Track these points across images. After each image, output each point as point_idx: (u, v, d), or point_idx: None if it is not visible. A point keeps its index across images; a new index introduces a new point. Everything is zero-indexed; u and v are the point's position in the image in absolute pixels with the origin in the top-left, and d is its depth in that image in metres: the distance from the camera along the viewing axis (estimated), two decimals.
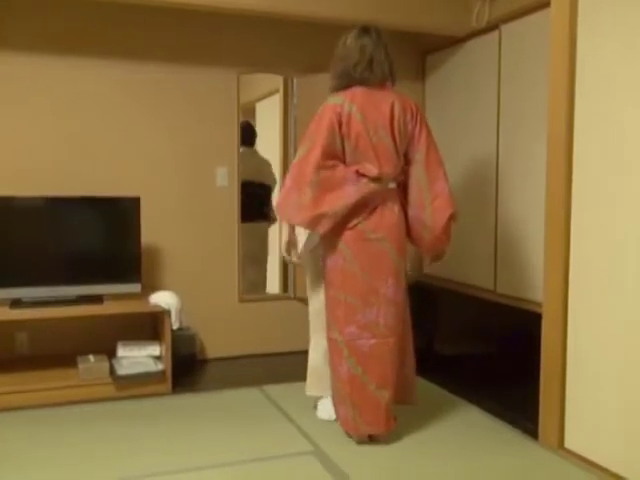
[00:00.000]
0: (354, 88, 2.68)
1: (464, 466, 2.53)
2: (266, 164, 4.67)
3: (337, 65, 2.73)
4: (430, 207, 2.71)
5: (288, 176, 2.67)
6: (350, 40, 2.71)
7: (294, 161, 2.67)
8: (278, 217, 2.81)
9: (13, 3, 3.43)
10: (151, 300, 3.36)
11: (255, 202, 4.49)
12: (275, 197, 4.18)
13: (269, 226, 4.58)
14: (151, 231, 3.66)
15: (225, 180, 3.92)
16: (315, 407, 3.03)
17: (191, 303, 3.70)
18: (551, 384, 2.68)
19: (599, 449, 2.48)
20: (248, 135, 4.69)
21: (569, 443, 2.62)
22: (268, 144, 4.71)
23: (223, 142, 3.90)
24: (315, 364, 2.93)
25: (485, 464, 2.54)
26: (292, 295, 4.14)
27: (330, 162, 2.62)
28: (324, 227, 2.61)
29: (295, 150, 4.02)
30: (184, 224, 3.84)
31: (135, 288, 3.40)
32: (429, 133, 2.76)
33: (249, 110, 4.82)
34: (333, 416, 2.86)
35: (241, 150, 4.31)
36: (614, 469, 2.41)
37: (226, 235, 3.93)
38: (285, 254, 2.79)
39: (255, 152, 4.73)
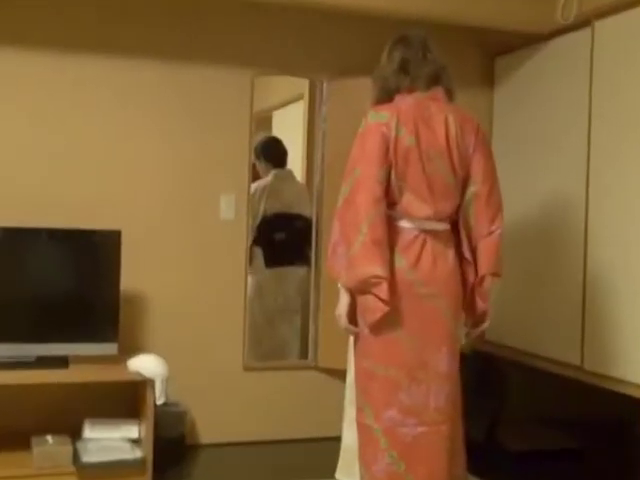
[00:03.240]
0: (398, 101, 2.73)
1: None
2: (304, 190, 4.71)
3: (376, 82, 2.85)
4: (472, 254, 2.81)
5: (334, 224, 2.75)
6: (384, 53, 2.85)
7: (339, 204, 2.72)
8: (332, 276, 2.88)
9: None
10: (130, 366, 3.36)
11: (290, 240, 4.52)
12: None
13: (309, 272, 4.55)
14: (133, 275, 3.66)
15: (232, 211, 3.93)
16: None
17: (182, 371, 3.68)
18: None
19: None
20: (278, 153, 4.74)
21: None
22: (288, 163, 4.76)
23: (231, 162, 3.92)
24: (349, 443, 2.96)
25: None
26: (313, 363, 4.12)
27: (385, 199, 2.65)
28: (384, 292, 2.57)
29: (322, 175, 4.06)
30: (176, 267, 3.85)
31: (110, 349, 3.40)
32: (488, 159, 2.80)
33: (264, 121, 4.87)
34: None
35: (273, 173, 4.32)
36: None
37: (230, 283, 3.93)
38: (345, 324, 2.76)
39: (290, 175, 4.77)
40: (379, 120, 2.67)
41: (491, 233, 2.76)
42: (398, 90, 2.76)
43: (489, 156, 2.82)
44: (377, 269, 2.56)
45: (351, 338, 2.92)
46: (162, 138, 3.82)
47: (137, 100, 3.78)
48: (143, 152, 3.79)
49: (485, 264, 2.77)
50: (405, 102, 2.71)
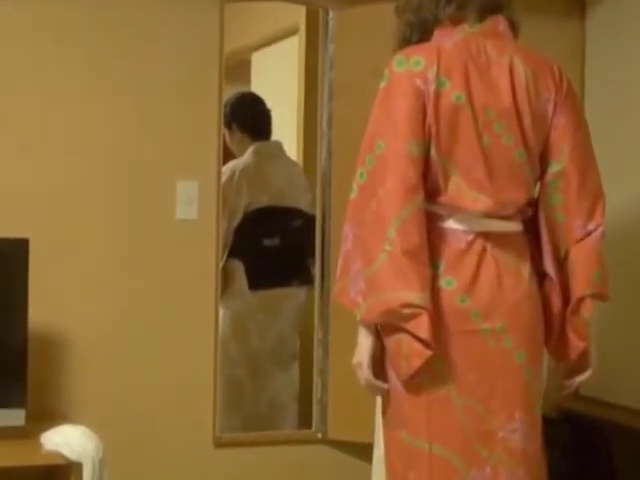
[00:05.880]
0: (438, 38, 2.73)
1: None
2: (300, 173, 4.73)
3: (403, 13, 2.83)
4: (558, 268, 2.79)
5: (346, 227, 2.74)
6: None
7: (353, 196, 2.73)
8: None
9: None
10: (45, 443, 3.37)
11: (285, 247, 4.53)
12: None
13: (313, 296, 4.49)
14: (48, 304, 3.68)
15: (193, 206, 3.95)
16: None
17: (122, 449, 3.70)
18: None
19: None
20: (258, 118, 4.75)
21: None
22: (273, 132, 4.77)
23: (192, 132, 3.96)
24: None
25: None
26: (320, 434, 4.14)
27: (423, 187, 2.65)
28: (423, 329, 2.56)
29: (330, 149, 4.07)
30: (112, 292, 3.87)
31: (15, 418, 3.42)
32: (579, 123, 2.80)
33: (239, 67, 4.89)
34: None
35: (252, 148, 4.34)
36: None
37: (194, 315, 3.96)
38: (368, 376, 2.75)
39: (278, 150, 4.80)
40: (411, 68, 2.67)
41: (589, 234, 2.75)
42: (437, 22, 2.75)
43: (579, 119, 2.82)
44: (412, 294, 2.55)
45: (378, 399, 2.93)
46: (88, 99, 3.85)
47: (46, 42, 3.80)
48: (58, 121, 3.82)
49: (583, 281, 2.74)
50: (449, 40, 2.71)
